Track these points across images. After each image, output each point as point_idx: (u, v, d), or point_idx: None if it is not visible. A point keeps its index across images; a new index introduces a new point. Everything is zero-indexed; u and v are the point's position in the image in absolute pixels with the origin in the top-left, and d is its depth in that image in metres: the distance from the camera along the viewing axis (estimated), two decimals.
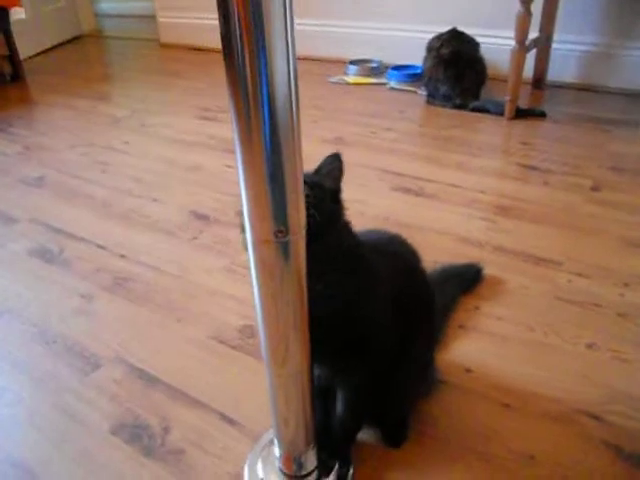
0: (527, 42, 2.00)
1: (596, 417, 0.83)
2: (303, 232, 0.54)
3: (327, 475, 0.73)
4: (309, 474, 0.72)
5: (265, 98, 0.46)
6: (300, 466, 0.71)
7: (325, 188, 0.63)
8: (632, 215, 1.39)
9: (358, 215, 1.38)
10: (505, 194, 1.51)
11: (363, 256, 0.67)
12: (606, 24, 2.26)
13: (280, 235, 0.52)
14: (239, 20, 0.42)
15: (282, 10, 0.43)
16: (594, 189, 1.53)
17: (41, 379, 0.94)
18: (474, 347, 0.98)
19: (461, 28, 2.25)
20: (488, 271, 1.16)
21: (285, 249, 0.53)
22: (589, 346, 0.97)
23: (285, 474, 0.72)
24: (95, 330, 1.05)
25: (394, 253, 0.76)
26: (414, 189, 1.55)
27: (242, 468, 0.76)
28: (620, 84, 2.26)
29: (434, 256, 1.14)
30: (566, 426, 0.82)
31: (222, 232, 1.36)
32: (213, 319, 1.07)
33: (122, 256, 1.29)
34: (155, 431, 0.83)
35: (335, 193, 0.66)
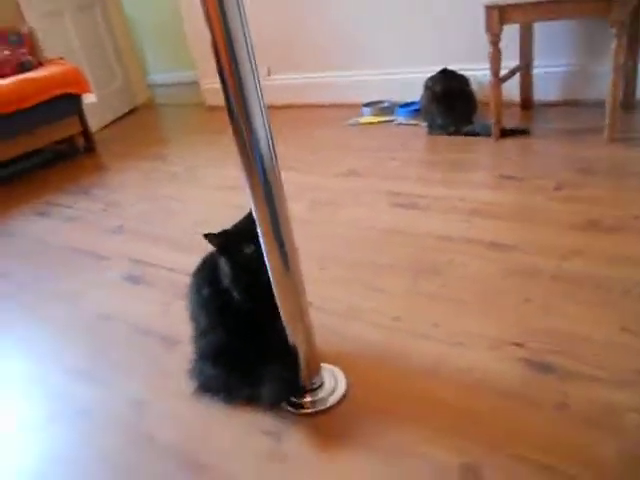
0: (506, 71, 2.39)
1: (519, 344, 1.18)
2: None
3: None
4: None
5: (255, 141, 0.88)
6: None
7: None
8: (583, 205, 1.72)
9: (370, 228, 1.79)
10: (482, 200, 1.87)
11: None
12: (577, 46, 2.61)
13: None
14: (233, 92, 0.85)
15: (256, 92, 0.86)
16: (557, 189, 1.87)
17: (141, 361, 1.38)
18: (442, 309, 1.34)
19: (457, 64, 2.68)
20: (457, 258, 1.53)
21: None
22: (526, 300, 1.32)
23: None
24: (172, 322, 1.49)
25: None
26: (409, 204, 1.93)
27: None
28: (596, 96, 2.57)
29: (418, 253, 1.53)
30: (498, 352, 1.17)
31: None
32: None
33: (187, 274, 1.73)
34: None
35: None
